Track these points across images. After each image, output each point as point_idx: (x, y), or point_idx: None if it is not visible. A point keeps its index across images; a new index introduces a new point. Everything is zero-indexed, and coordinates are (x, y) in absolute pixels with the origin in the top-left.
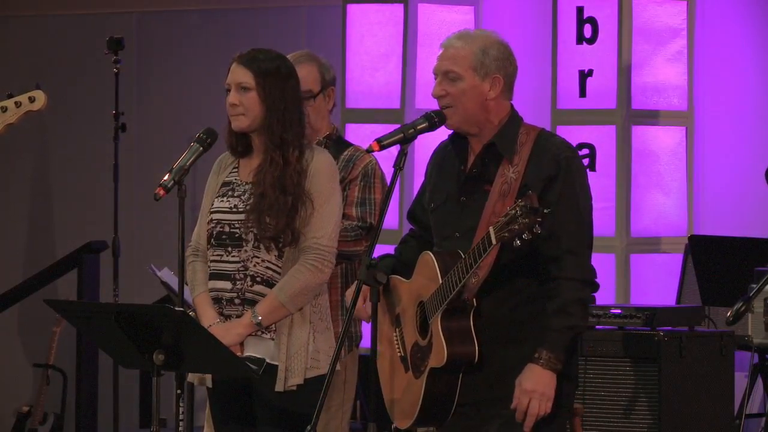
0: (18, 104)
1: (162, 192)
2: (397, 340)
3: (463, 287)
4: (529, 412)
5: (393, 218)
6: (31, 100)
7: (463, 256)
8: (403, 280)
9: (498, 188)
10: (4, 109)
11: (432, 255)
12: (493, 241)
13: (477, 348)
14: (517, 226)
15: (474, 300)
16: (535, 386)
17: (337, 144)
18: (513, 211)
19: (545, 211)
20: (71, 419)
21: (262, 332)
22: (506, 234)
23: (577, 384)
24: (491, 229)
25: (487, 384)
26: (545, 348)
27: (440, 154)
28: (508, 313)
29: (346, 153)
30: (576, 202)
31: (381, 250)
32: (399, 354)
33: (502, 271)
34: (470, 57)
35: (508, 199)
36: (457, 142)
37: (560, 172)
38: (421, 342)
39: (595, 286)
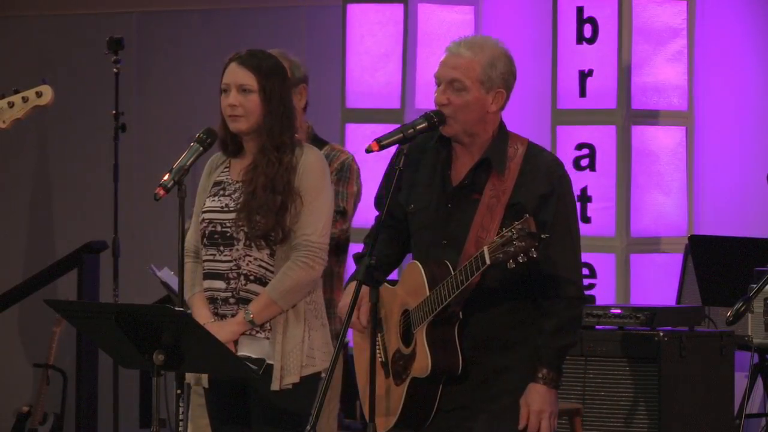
0: (25, 99)
1: (162, 192)
2: (378, 345)
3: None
4: None
5: None
6: (39, 95)
7: (451, 268)
8: (389, 285)
9: (486, 201)
10: (11, 105)
11: (420, 265)
12: (487, 261)
13: (461, 360)
14: (512, 249)
15: (460, 312)
16: (543, 405)
17: (313, 142)
18: (509, 233)
19: (543, 236)
20: (71, 419)
21: (257, 331)
22: (501, 255)
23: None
24: (486, 249)
25: (471, 391)
26: (545, 366)
27: (417, 149)
28: (494, 321)
29: (322, 151)
30: (568, 222)
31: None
32: (380, 359)
33: (490, 284)
34: (478, 69)
35: (496, 211)
36: (444, 144)
37: (554, 191)
38: (404, 350)
39: (589, 300)
